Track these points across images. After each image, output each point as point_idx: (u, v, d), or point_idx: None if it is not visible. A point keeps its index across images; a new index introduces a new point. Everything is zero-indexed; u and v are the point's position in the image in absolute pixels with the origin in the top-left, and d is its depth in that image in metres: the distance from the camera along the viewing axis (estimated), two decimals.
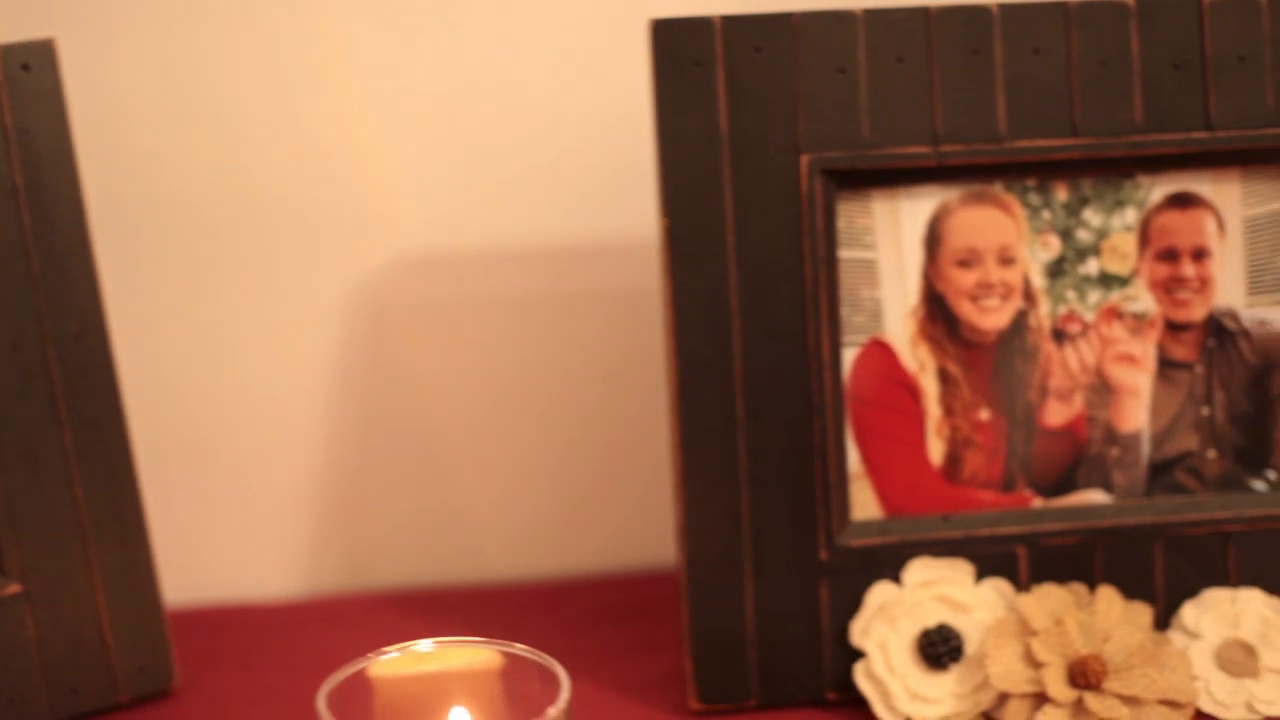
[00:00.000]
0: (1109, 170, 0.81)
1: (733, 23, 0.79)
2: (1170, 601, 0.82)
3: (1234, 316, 0.82)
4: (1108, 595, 0.80)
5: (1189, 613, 0.81)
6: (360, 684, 0.67)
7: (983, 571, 0.81)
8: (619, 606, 0.92)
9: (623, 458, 0.99)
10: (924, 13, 0.79)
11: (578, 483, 0.99)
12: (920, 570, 0.80)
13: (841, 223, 0.80)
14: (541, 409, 0.99)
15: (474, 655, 0.69)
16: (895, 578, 0.81)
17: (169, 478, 0.95)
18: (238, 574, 0.98)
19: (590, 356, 0.98)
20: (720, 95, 0.79)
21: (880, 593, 0.80)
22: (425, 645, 0.68)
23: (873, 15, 0.79)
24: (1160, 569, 0.82)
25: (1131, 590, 0.81)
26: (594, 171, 0.96)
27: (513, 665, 0.68)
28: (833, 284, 0.80)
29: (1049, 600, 0.80)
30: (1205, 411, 0.82)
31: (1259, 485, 0.83)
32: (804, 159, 0.79)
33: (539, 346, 0.98)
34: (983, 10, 0.79)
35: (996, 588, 0.81)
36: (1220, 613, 0.80)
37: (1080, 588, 0.80)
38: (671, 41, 0.79)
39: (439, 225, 0.96)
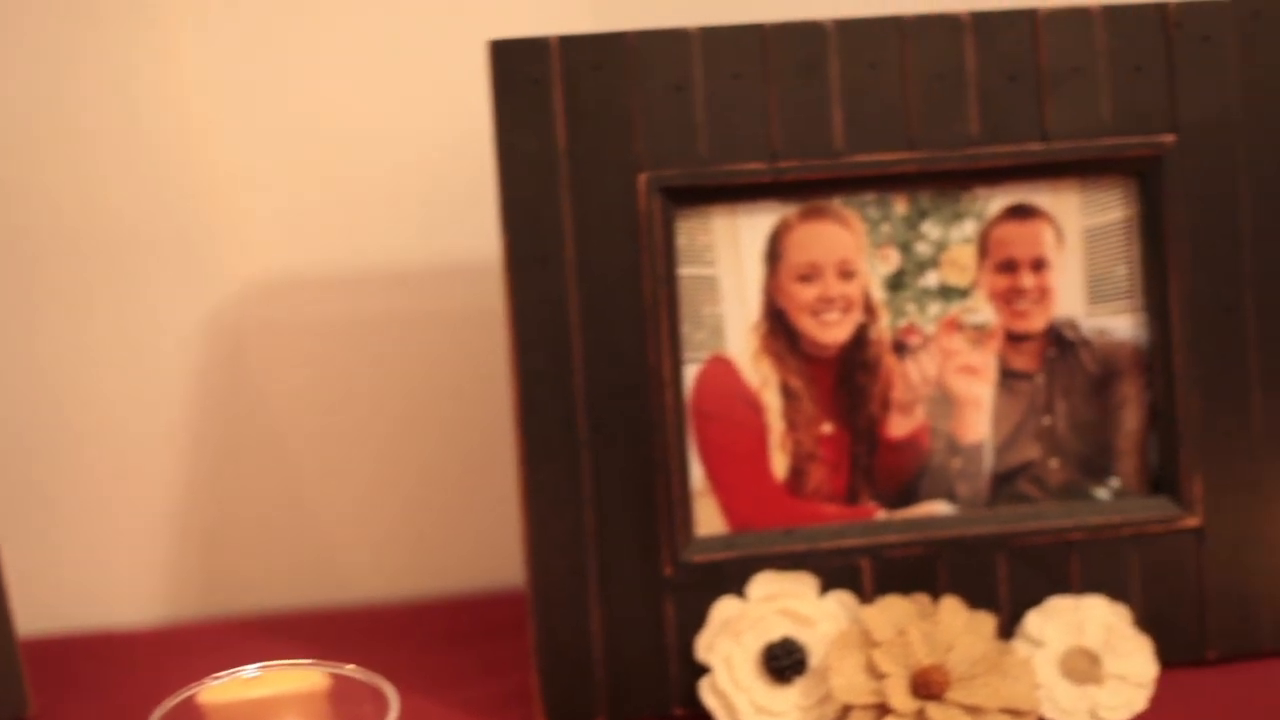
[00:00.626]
0: (946, 183, 0.82)
1: (570, 43, 0.79)
2: (1014, 610, 0.82)
3: (1074, 326, 0.83)
4: (951, 605, 0.80)
5: (1033, 621, 0.81)
6: (191, 710, 0.66)
7: (827, 584, 0.81)
8: (472, 626, 0.92)
9: (478, 477, 0.99)
10: (759, 30, 0.80)
11: (433, 503, 0.99)
12: (764, 584, 0.81)
13: (682, 240, 0.80)
14: (394, 430, 0.99)
15: (303, 678, 0.68)
16: (740, 592, 0.81)
17: (22, 505, 0.94)
18: (94, 601, 0.98)
19: (442, 376, 0.98)
20: (558, 114, 0.79)
21: (725, 607, 0.80)
22: (251, 670, 0.67)
23: (709, 33, 0.80)
24: (1004, 578, 0.82)
25: (975, 600, 0.81)
26: (443, 192, 0.96)
27: (343, 687, 0.67)
28: (673, 301, 0.80)
29: (892, 611, 0.80)
30: (1047, 421, 0.83)
31: (1101, 493, 0.83)
32: (642, 177, 0.79)
33: (390, 367, 0.98)
34: (817, 27, 0.80)
35: (840, 600, 0.81)
36: (1064, 620, 0.81)
37: (924, 598, 0.81)
38: (509, 62, 0.79)
39: (292, 248, 0.96)
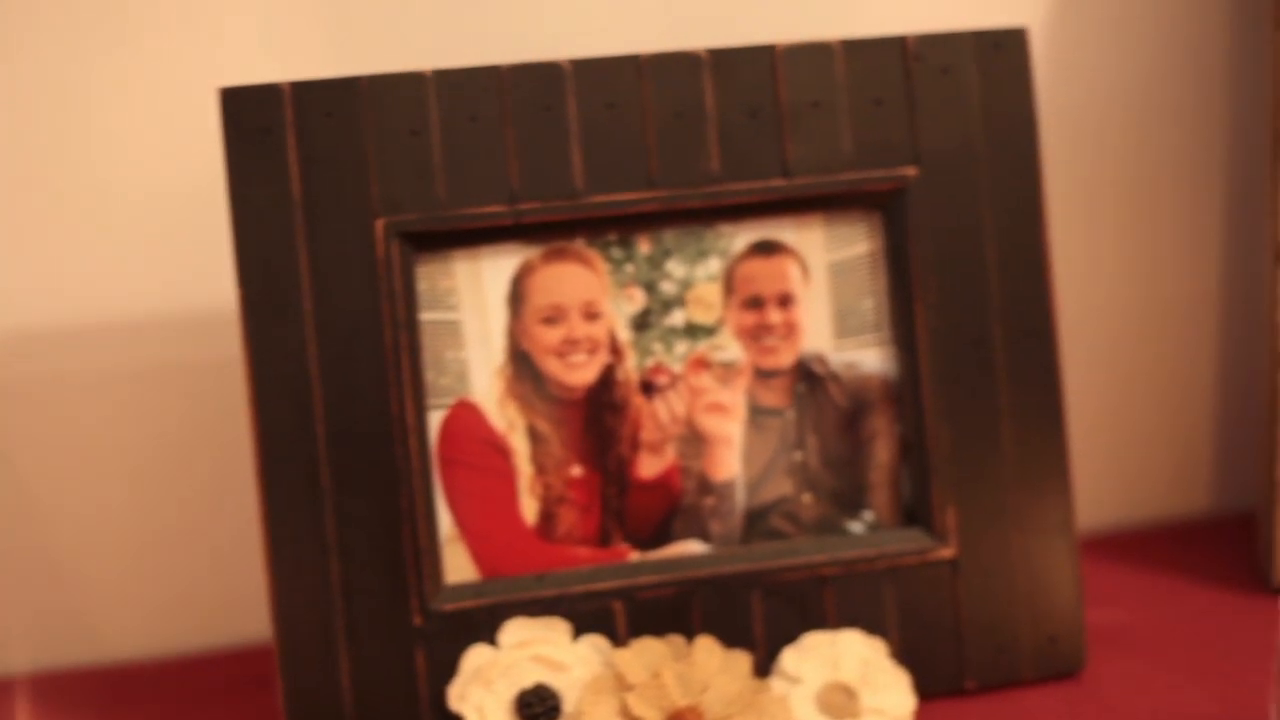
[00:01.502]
0: (689, 221, 0.81)
1: (302, 89, 0.78)
2: (771, 648, 0.82)
3: (822, 361, 0.82)
4: (706, 645, 0.80)
5: (789, 658, 0.81)
6: None
7: (580, 629, 0.80)
8: (225, 681, 0.91)
9: (228, 529, 0.97)
10: (495, 71, 0.79)
11: (185, 556, 0.98)
12: (516, 631, 0.80)
13: (423, 285, 0.79)
14: (141, 484, 0.97)
15: None
16: (492, 640, 0.80)
17: None
18: None
19: (190, 428, 0.97)
20: (291, 162, 0.78)
21: (476, 656, 0.80)
22: None
23: (443, 76, 0.79)
24: (759, 616, 0.82)
25: (731, 639, 0.81)
26: (184, 241, 0.95)
27: None
28: (415, 347, 0.79)
29: (646, 654, 0.79)
30: (798, 456, 0.83)
31: (855, 527, 0.83)
32: (379, 223, 0.78)
33: (138, 422, 0.96)
34: (554, 67, 0.79)
35: (594, 644, 0.80)
36: (820, 656, 0.80)
37: (678, 640, 0.80)
38: (240, 109, 0.78)
39: (33, 301, 0.94)
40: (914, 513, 0.83)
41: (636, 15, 0.96)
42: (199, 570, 0.98)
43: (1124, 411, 1.08)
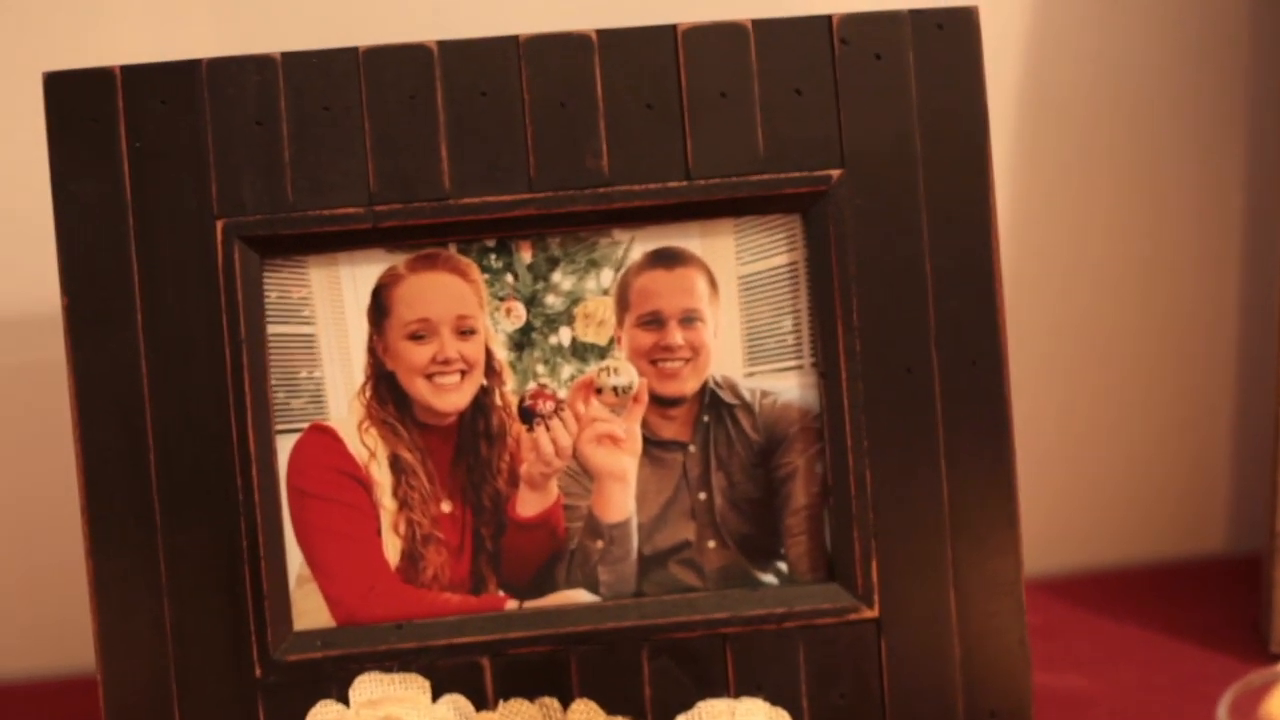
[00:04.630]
0: (577, 226, 0.71)
1: (134, 73, 0.70)
2: (661, 714, 0.73)
3: (732, 388, 0.72)
4: (584, 710, 0.70)
5: None
6: None
7: (441, 687, 0.71)
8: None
9: (55, 558, 0.89)
10: (351, 54, 0.70)
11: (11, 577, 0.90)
12: (367, 687, 0.71)
13: (272, 294, 0.70)
14: None
15: None
16: (343, 696, 0.70)
17: None
18: None
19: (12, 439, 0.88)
20: (122, 155, 0.70)
21: (321, 713, 0.70)
22: None
23: (292, 59, 0.70)
24: (648, 677, 0.72)
25: (614, 703, 0.72)
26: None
27: None
28: (260, 364, 0.70)
29: (514, 718, 0.69)
30: (702, 496, 0.72)
31: (768, 578, 0.73)
32: (219, 224, 0.70)
33: None
34: (421, 49, 0.69)
35: (454, 705, 0.71)
36: None
37: (552, 702, 0.71)
38: (66, 96, 0.70)
39: None
40: (835, 564, 0.72)
41: None
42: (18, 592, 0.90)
43: (1120, 435, 0.96)
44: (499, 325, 0.72)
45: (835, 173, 0.71)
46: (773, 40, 0.71)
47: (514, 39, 0.70)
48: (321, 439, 0.72)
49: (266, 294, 0.71)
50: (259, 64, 0.70)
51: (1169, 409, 0.97)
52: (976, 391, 0.72)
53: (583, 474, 0.73)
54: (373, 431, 0.72)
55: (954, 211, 0.71)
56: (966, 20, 0.71)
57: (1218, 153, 0.94)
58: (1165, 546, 0.97)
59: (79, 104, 0.70)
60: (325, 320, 0.71)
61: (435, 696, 0.72)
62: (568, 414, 0.72)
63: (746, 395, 0.72)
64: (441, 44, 0.70)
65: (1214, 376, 0.96)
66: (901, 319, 0.72)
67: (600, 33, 0.70)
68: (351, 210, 0.70)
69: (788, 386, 0.73)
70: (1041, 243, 0.93)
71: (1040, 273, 0.93)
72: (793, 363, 0.73)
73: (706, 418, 0.72)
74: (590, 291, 0.72)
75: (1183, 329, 0.95)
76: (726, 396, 0.72)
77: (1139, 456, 0.97)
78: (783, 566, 0.73)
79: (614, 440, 0.72)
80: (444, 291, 0.71)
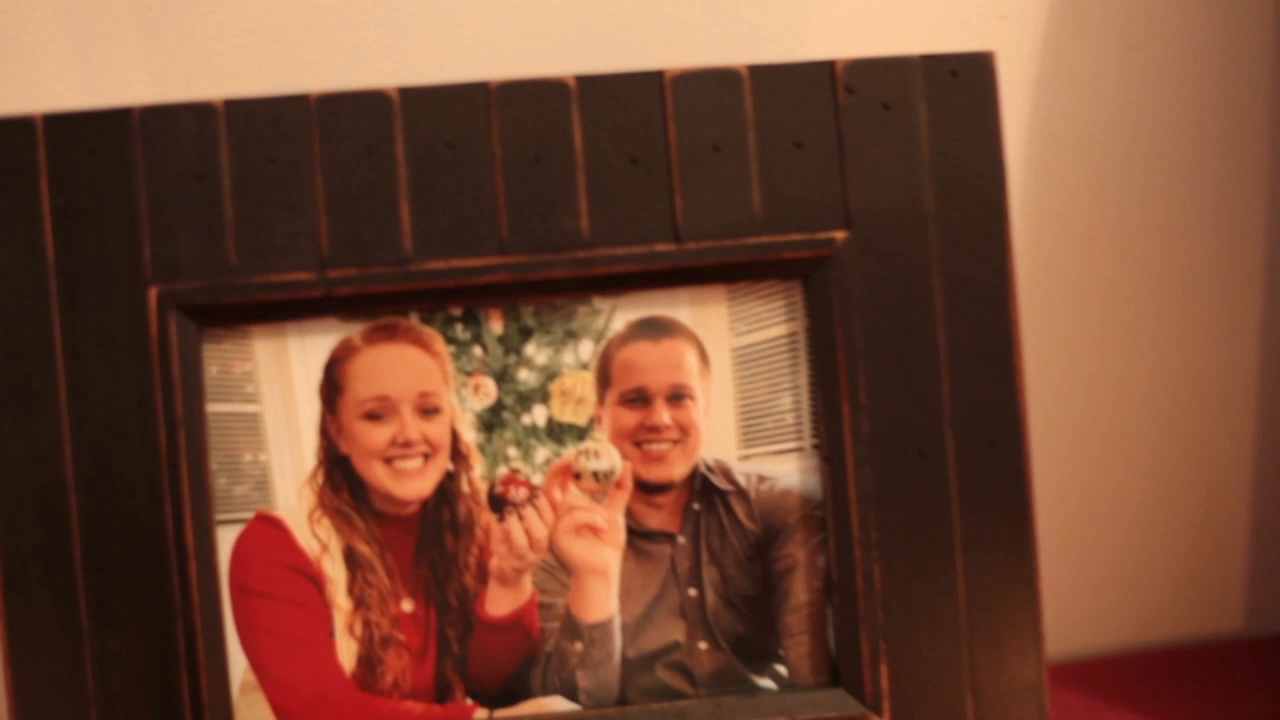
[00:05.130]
0: (553, 294, 0.63)
1: (59, 122, 0.63)
2: None
3: (725, 472, 0.65)
4: None
5: None
6: None
7: None
8: None
9: None
10: (304, 101, 0.62)
11: None
12: None
13: (213, 369, 0.63)
14: None
15: None
16: None
17: None
18: None
19: None
20: (44, 215, 0.63)
21: None
22: None
23: (235, 107, 0.62)
24: None
25: None
26: None
27: None
28: (199, 447, 0.63)
29: None
30: (692, 593, 0.65)
31: (765, 683, 0.65)
32: (153, 291, 0.63)
33: None
34: (378, 97, 0.62)
35: None
36: None
37: None
38: None
39: None
40: (839, 668, 0.64)
41: (490, 31, 0.77)
42: None
43: (1138, 517, 0.89)
44: (466, 403, 0.64)
45: (839, 235, 0.64)
46: (771, 88, 0.64)
47: (483, 85, 0.63)
48: (268, 530, 0.64)
49: (206, 368, 0.64)
50: (198, 112, 0.63)
51: (1186, 489, 0.90)
52: (995, 477, 0.65)
53: (560, 569, 0.65)
54: (325, 522, 0.64)
55: (970, 278, 0.64)
56: (983, 67, 0.65)
57: (1238, 227, 0.87)
58: (1184, 628, 0.90)
59: None
60: (272, 398, 0.64)
61: None
62: (543, 502, 0.65)
63: (741, 480, 0.65)
64: (403, 90, 0.63)
65: (1232, 454, 0.89)
66: (913, 397, 0.65)
67: (579, 79, 0.64)
68: (301, 276, 0.63)
69: (787, 471, 0.66)
70: (1053, 312, 0.86)
71: (1053, 346, 0.86)
72: (792, 444, 0.65)
73: (697, 505, 0.65)
74: (568, 366, 0.65)
75: (1200, 404, 0.88)
76: (719, 482, 0.65)
77: (1156, 539, 0.90)
78: (782, 670, 0.66)
79: (594, 531, 0.65)
80: (405, 366, 0.64)
